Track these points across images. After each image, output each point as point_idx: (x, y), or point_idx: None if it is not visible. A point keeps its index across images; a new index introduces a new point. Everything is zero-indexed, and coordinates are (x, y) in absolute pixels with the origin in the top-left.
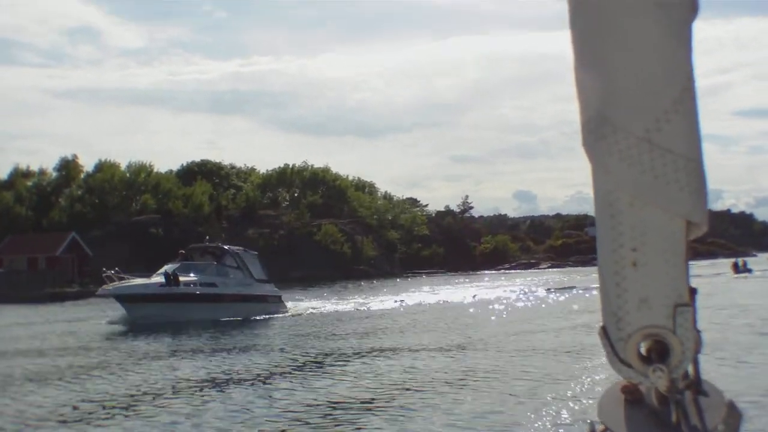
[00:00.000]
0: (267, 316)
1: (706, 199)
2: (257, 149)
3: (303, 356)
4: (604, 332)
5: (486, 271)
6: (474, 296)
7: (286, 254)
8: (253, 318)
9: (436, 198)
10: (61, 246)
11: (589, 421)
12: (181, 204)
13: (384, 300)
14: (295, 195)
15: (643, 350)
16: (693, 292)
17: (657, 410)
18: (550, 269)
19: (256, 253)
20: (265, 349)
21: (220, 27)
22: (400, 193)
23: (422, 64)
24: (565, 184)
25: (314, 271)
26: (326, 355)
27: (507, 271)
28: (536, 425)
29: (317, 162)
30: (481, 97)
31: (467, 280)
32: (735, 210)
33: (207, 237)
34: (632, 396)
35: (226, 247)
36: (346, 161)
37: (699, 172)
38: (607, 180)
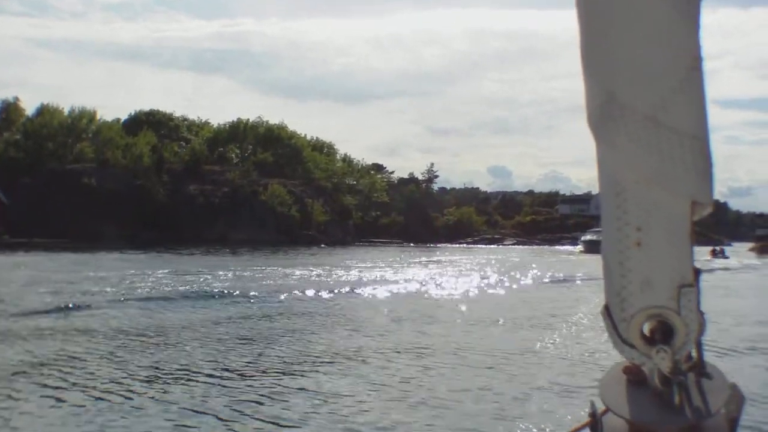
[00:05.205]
0: None
1: (712, 179)
2: (237, 109)
3: None
4: (607, 312)
5: (446, 244)
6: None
7: (228, 214)
8: None
9: (413, 168)
10: None
11: (590, 401)
12: (120, 154)
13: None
14: (247, 152)
15: (646, 331)
16: (697, 273)
17: (659, 391)
18: (514, 246)
19: None
20: None
21: None
22: (378, 161)
23: (408, 32)
24: (540, 162)
25: (257, 234)
26: None
27: (468, 246)
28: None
29: (292, 124)
30: (464, 69)
31: (412, 254)
32: None
33: None
34: (634, 377)
35: None
36: (326, 126)
37: (705, 152)
38: (614, 158)
